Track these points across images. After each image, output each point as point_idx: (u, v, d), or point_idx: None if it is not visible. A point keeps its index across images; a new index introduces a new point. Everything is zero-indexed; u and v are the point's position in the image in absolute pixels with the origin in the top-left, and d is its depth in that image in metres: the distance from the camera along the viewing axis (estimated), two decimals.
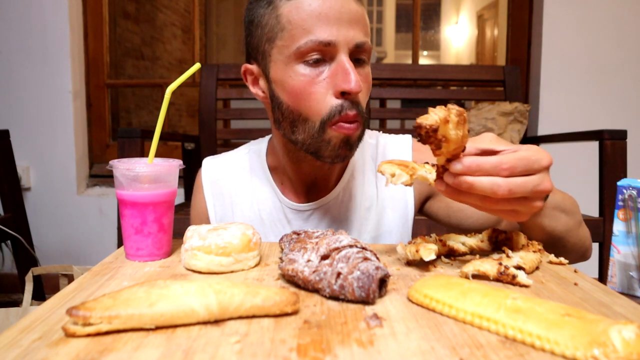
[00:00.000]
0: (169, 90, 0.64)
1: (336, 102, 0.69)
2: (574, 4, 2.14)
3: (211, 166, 0.90)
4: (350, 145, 0.72)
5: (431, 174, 0.57)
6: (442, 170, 0.55)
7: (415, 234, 1.28)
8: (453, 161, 0.53)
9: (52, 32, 2.21)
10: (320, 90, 0.69)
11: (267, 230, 0.85)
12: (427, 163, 0.59)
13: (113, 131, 2.49)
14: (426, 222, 1.50)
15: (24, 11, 2.20)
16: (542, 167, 0.54)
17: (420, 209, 0.91)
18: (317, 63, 0.69)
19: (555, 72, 2.17)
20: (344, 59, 0.68)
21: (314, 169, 0.81)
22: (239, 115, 2.17)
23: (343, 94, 0.68)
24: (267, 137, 0.91)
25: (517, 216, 0.57)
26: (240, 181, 0.88)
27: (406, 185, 0.56)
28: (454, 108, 0.50)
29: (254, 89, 0.79)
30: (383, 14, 7.69)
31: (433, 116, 0.49)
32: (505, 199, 0.53)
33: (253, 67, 0.77)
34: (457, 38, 4.33)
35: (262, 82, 0.77)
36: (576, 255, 0.73)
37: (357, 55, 0.71)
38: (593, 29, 2.15)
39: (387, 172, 0.56)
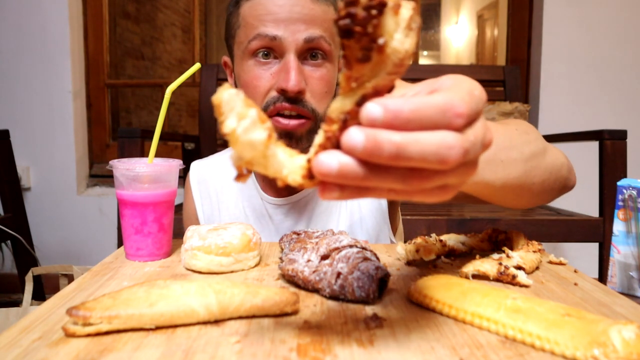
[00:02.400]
0: (169, 90, 0.64)
1: (274, 94, 0.72)
2: (574, 4, 2.14)
3: (198, 168, 0.95)
4: (295, 139, 0.74)
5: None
6: (338, 130, 0.31)
7: (415, 234, 1.28)
8: (368, 102, 0.29)
9: (52, 32, 2.21)
10: (264, 85, 0.72)
11: (252, 225, 0.88)
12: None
13: (113, 131, 2.49)
14: (426, 222, 1.50)
15: (24, 11, 2.20)
16: (483, 107, 0.34)
17: None
18: (266, 60, 0.73)
19: (555, 72, 2.17)
20: (288, 57, 0.71)
21: None
22: None
23: (283, 91, 0.71)
24: None
25: (443, 193, 0.33)
26: (225, 180, 0.91)
27: None
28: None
29: (230, 80, 0.84)
30: None
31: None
32: (443, 171, 0.31)
33: (229, 61, 0.84)
34: (457, 38, 4.33)
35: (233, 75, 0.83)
36: (555, 191, 0.64)
37: (312, 52, 0.73)
38: (593, 28, 2.15)
39: None
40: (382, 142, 0.28)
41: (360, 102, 0.30)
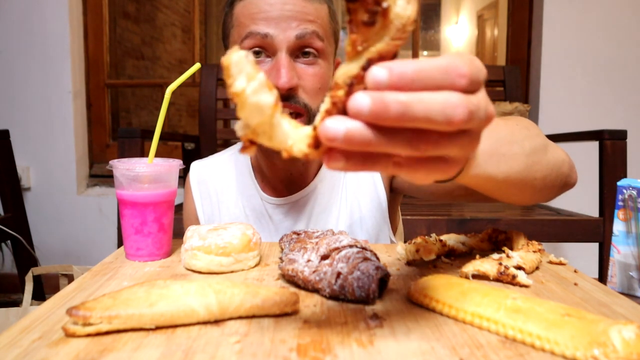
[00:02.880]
0: (169, 90, 0.64)
1: None
2: (574, 4, 2.14)
3: (198, 168, 0.95)
4: None
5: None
6: (344, 95, 0.30)
7: (415, 234, 1.28)
8: (373, 66, 0.30)
9: (52, 32, 2.21)
10: None
11: (252, 225, 0.88)
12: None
13: (113, 131, 2.49)
14: (426, 222, 1.50)
15: (24, 11, 2.20)
16: (484, 79, 0.34)
17: (390, 189, 0.91)
18: (258, 57, 0.72)
19: (555, 72, 2.17)
20: (280, 55, 0.71)
21: (285, 164, 0.82)
22: None
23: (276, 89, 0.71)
24: None
25: (447, 168, 0.33)
26: (225, 180, 0.91)
27: None
28: None
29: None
30: None
31: None
32: (446, 136, 0.31)
33: None
34: (457, 38, 4.33)
35: None
36: (556, 187, 0.63)
37: (304, 49, 0.73)
38: (593, 29, 2.15)
39: None
40: (389, 102, 0.28)
41: (365, 67, 0.30)
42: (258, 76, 0.32)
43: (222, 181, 0.92)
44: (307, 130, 0.32)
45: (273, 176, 0.86)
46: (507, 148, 0.54)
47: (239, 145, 0.96)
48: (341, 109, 0.30)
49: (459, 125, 0.29)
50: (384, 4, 0.29)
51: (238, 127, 0.33)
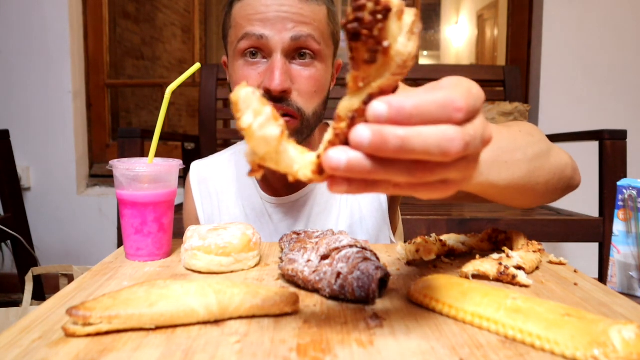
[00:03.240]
0: (169, 90, 0.64)
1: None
2: (574, 4, 2.14)
3: (198, 168, 0.95)
4: None
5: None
6: (346, 128, 0.32)
7: (415, 234, 1.27)
8: (374, 101, 0.31)
9: (52, 32, 2.21)
10: (251, 84, 0.74)
11: (252, 225, 0.88)
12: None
13: (113, 131, 2.49)
14: (426, 222, 1.50)
15: (24, 11, 2.20)
16: (482, 105, 0.35)
17: None
18: (254, 58, 0.73)
19: (555, 72, 2.17)
20: (275, 57, 0.71)
21: None
22: None
23: (268, 91, 0.71)
24: None
25: (446, 189, 0.34)
26: (226, 180, 0.92)
27: None
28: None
29: (228, 79, 0.85)
30: None
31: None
32: (445, 163, 0.32)
33: (227, 60, 0.84)
34: (457, 38, 4.33)
35: None
36: (559, 190, 0.64)
37: (300, 51, 0.73)
38: (593, 29, 2.15)
39: None
40: (388, 136, 0.30)
41: (367, 101, 0.32)
42: (265, 111, 0.34)
43: (222, 181, 0.92)
44: (312, 157, 0.34)
45: (272, 176, 0.86)
46: (509, 156, 0.55)
47: (239, 145, 0.97)
48: (343, 140, 0.32)
49: (455, 157, 0.31)
50: (385, 43, 0.30)
51: (247, 153, 0.35)
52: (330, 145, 0.32)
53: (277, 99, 0.72)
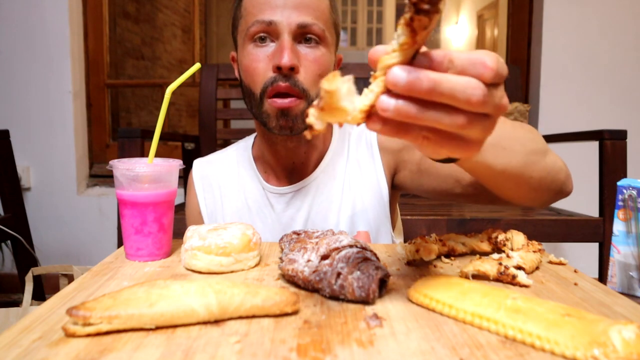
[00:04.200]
0: (169, 90, 0.64)
1: (271, 74, 0.76)
2: (574, 4, 2.14)
3: (201, 164, 0.98)
4: (291, 118, 0.77)
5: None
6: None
7: (415, 234, 1.27)
8: (418, 56, 0.38)
9: (52, 32, 2.21)
10: (261, 66, 0.77)
11: (254, 216, 0.90)
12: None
13: (113, 131, 2.49)
14: (426, 222, 1.50)
15: (24, 11, 2.20)
16: (505, 76, 0.41)
17: (393, 186, 0.92)
18: (263, 42, 0.78)
19: (555, 72, 2.17)
20: (283, 37, 0.76)
21: (288, 152, 0.86)
22: (239, 115, 2.17)
23: (279, 69, 0.75)
24: (255, 133, 0.98)
25: (467, 147, 0.40)
26: (228, 174, 0.94)
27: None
28: None
29: (236, 74, 0.88)
30: (383, 14, 7.68)
31: None
32: (468, 116, 0.38)
33: (235, 54, 0.88)
34: (457, 38, 4.33)
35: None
36: (551, 192, 0.68)
37: (305, 36, 0.78)
38: (593, 29, 2.15)
39: None
40: (421, 77, 0.35)
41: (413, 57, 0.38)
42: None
43: (224, 175, 0.94)
44: (362, 105, 0.39)
45: (276, 165, 0.89)
46: (508, 143, 0.60)
47: (240, 143, 0.99)
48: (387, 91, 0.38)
49: (476, 106, 0.36)
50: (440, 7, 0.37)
51: (312, 116, 0.39)
52: (380, 93, 0.38)
53: (285, 76, 0.75)
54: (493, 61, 0.37)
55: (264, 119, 0.80)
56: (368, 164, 0.90)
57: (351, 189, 0.89)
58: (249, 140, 0.98)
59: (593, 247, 1.54)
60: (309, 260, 0.51)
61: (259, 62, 0.78)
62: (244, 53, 0.80)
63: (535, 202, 0.71)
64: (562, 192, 0.70)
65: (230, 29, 0.88)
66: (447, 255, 0.64)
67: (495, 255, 0.59)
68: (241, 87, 0.85)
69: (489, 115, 0.39)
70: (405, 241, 0.85)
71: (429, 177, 0.83)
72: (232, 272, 0.57)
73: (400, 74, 0.36)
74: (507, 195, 0.68)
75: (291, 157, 0.88)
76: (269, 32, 0.77)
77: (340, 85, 0.38)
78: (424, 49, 0.39)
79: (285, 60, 0.74)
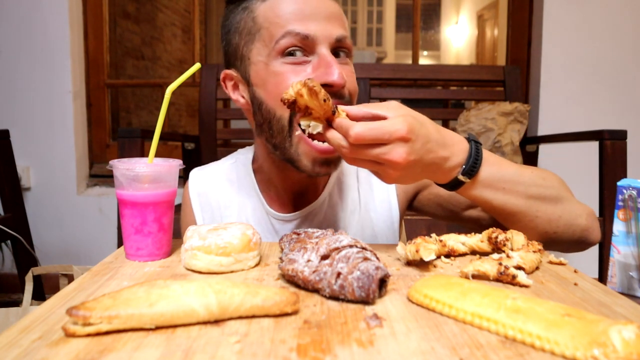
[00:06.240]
0: (169, 90, 0.64)
1: None
2: (574, 4, 2.14)
3: (198, 178, 0.90)
4: (333, 164, 0.72)
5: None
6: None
7: (416, 234, 1.27)
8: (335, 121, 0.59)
9: (52, 32, 2.21)
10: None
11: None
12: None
13: (113, 131, 2.49)
14: (426, 222, 1.50)
15: (24, 11, 2.20)
16: (393, 138, 0.56)
17: (410, 206, 0.91)
18: (297, 59, 0.69)
19: (555, 72, 2.17)
20: (324, 52, 0.68)
21: (302, 177, 0.78)
22: (239, 115, 2.18)
23: (329, 87, 0.67)
24: (253, 146, 0.90)
25: (379, 177, 0.62)
26: (227, 193, 0.87)
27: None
28: (308, 81, 0.56)
29: (234, 95, 0.79)
30: (383, 14, 7.69)
31: (289, 91, 0.58)
32: (356, 158, 0.59)
33: (232, 72, 0.77)
34: (457, 38, 4.34)
35: (242, 88, 0.77)
36: (569, 236, 0.71)
37: (338, 50, 0.72)
38: (593, 29, 2.15)
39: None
40: (327, 136, 0.61)
41: (328, 121, 0.61)
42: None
43: (223, 194, 0.87)
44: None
45: (284, 189, 0.82)
46: (509, 185, 0.66)
47: (239, 155, 0.91)
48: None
49: (347, 156, 0.60)
50: (306, 108, 0.60)
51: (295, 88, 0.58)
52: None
53: (338, 94, 0.68)
54: (354, 132, 0.56)
55: (294, 158, 0.71)
56: (381, 187, 0.86)
57: (360, 213, 0.85)
58: (247, 154, 0.89)
59: (593, 247, 1.54)
60: (309, 260, 0.51)
61: (295, 78, 0.67)
62: (269, 70, 0.69)
63: (554, 245, 0.73)
64: (586, 238, 0.72)
65: (223, 42, 0.78)
66: (447, 255, 0.63)
67: (495, 255, 0.59)
68: (257, 114, 0.74)
69: (379, 162, 0.58)
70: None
71: (451, 198, 0.82)
72: (232, 272, 0.57)
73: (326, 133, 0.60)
74: (516, 227, 0.70)
75: (304, 182, 0.81)
76: (304, 46, 0.68)
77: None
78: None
79: (338, 77, 0.66)
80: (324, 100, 0.58)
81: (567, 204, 0.70)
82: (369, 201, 0.86)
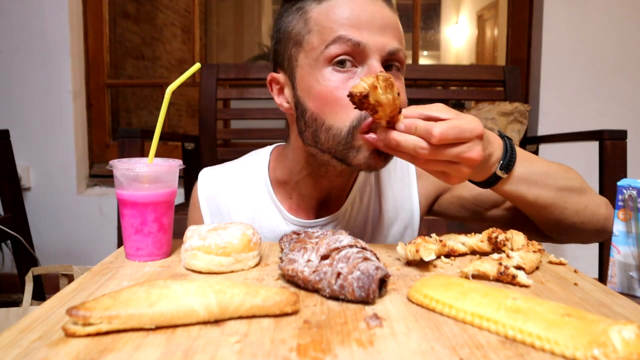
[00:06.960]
0: (169, 90, 0.64)
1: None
2: (574, 4, 2.14)
3: (208, 181, 0.87)
4: (385, 157, 0.68)
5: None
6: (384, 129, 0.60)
7: None
8: (398, 121, 0.58)
9: (52, 32, 2.21)
10: (344, 93, 0.63)
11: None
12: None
13: (113, 131, 2.49)
14: (426, 222, 1.50)
15: (24, 11, 2.20)
16: (473, 136, 0.57)
17: (429, 210, 0.90)
18: (346, 67, 0.66)
19: (555, 72, 2.17)
20: (375, 64, 0.65)
21: (331, 184, 0.78)
22: (239, 115, 2.17)
23: None
24: (269, 149, 0.87)
25: (448, 178, 0.61)
26: (238, 197, 0.84)
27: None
28: (380, 75, 0.55)
29: (278, 99, 0.76)
30: None
31: (362, 84, 0.55)
32: (432, 160, 0.58)
33: (279, 76, 0.75)
34: (457, 38, 4.33)
35: (287, 91, 0.74)
36: (592, 225, 0.74)
37: (390, 63, 0.69)
38: (593, 29, 2.15)
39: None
40: (390, 139, 0.60)
41: (389, 123, 0.60)
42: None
43: (234, 199, 0.84)
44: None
45: (310, 195, 0.80)
46: (541, 178, 0.68)
47: (254, 156, 0.88)
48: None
49: (425, 157, 0.58)
50: (376, 104, 0.57)
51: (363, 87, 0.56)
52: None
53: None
54: (438, 131, 0.55)
55: (348, 153, 0.67)
56: (403, 193, 0.85)
57: (383, 221, 0.84)
58: (262, 159, 0.86)
59: (593, 247, 1.54)
60: (309, 260, 0.51)
61: (344, 91, 0.63)
62: (318, 77, 0.66)
63: (579, 236, 0.75)
64: (606, 229, 0.74)
65: (274, 40, 0.75)
66: (447, 255, 0.64)
67: (495, 255, 0.59)
68: (300, 120, 0.71)
69: (454, 162, 0.58)
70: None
71: (475, 199, 0.83)
72: (232, 272, 0.57)
73: (380, 135, 0.60)
74: (546, 221, 0.72)
75: (331, 189, 0.79)
76: (354, 55, 0.65)
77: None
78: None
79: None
80: (398, 94, 0.56)
81: (590, 194, 0.73)
82: (391, 209, 0.86)
